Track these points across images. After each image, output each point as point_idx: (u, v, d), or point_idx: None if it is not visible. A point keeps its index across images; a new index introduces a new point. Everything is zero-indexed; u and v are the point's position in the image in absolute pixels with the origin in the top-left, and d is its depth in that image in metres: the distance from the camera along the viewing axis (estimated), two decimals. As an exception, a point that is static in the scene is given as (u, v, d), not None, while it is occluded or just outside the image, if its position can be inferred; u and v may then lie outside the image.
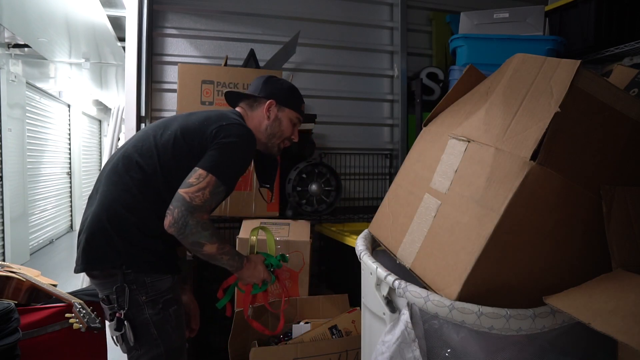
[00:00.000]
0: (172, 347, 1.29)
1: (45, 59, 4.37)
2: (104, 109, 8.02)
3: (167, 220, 1.22)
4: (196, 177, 1.24)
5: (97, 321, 1.54)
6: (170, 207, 1.22)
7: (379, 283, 1.00)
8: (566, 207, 0.82)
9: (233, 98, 1.55)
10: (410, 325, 0.88)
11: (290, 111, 1.51)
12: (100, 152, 8.64)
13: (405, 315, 0.90)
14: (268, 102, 1.48)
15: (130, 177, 1.29)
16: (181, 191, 1.23)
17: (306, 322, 1.77)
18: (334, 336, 1.63)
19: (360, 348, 1.30)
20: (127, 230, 1.25)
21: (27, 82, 4.92)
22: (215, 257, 1.30)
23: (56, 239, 6.08)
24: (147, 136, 1.36)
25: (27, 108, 4.97)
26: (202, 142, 1.30)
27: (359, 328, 1.37)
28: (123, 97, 2.71)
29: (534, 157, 0.79)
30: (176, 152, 1.31)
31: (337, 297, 1.89)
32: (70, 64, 4.57)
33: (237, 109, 1.51)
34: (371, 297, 1.07)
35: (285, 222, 2.00)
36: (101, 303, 1.30)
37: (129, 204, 1.27)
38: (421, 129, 1.24)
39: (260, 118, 1.48)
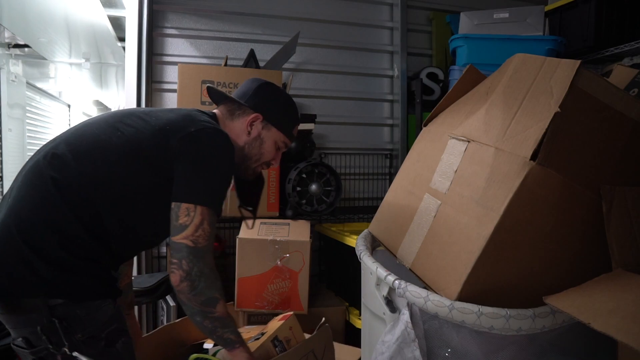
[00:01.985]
0: None
1: (45, 59, 4.37)
2: (104, 109, 8.02)
3: (176, 277, 1.00)
4: (185, 214, 1.00)
5: None
6: (174, 260, 1.00)
7: (379, 283, 1.00)
8: (566, 207, 0.82)
9: (216, 96, 1.28)
10: (410, 325, 0.88)
11: (277, 132, 1.23)
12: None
13: (405, 315, 0.90)
14: (253, 115, 1.20)
15: (54, 184, 0.98)
16: (178, 238, 1.00)
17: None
18: (276, 348, 1.34)
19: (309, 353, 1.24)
20: (50, 253, 0.95)
21: (27, 82, 4.92)
22: (224, 321, 1.05)
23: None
24: (89, 134, 1.06)
25: (27, 108, 4.97)
26: (161, 154, 1.03)
27: (297, 335, 1.25)
28: (123, 97, 2.71)
29: (534, 157, 0.79)
30: (129, 161, 1.03)
31: None
32: (70, 64, 4.57)
33: (216, 110, 1.24)
34: (371, 297, 1.07)
35: (285, 222, 2.00)
36: (14, 347, 0.99)
37: (49, 218, 0.96)
38: (421, 129, 1.24)
39: (239, 132, 1.21)
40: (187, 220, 1.00)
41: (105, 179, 1.01)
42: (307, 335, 1.35)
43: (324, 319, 1.24)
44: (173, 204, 1.01)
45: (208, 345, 1.25)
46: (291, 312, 1.24)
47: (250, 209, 1.42)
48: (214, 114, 1.22)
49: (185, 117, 1.10)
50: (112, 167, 1.02)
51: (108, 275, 1.04)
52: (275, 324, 1.39)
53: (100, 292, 1.01)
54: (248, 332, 1.32)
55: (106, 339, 1.00)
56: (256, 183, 1.38)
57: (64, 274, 0.96)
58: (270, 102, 1.24)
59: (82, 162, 1.01)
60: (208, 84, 1.37)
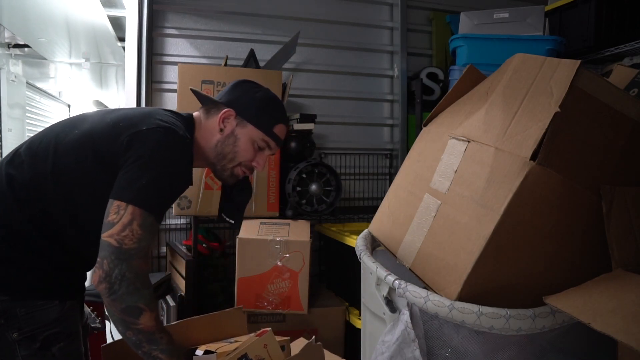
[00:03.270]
0: None
1: (45, 59, 4.37)
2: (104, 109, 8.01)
3: (96, 276, 0.92)
4: (114, 211, 0.93)
5: (97, 321, 1.54)
6: (98, 259, 0.93)
7: (379, 283, 1.00)
8: (566, 207, 0.82)
9: (200, 98, 1.24)
10: (410, 325, 0.88)
11: (254, 130, 1.15)
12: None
13: (405, 315, 0.90)
14: (225, 110, 1.14)
15: (8, 181, 1.00)
16: (104, 236, 0.93)
17: (206, 352, 1.29)
18: None
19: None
20: None
21: (27, 82, 4.92)
22: (151, 336, 0.94)
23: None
24: (50, 133, 1.06)
25: (27, 108, 4.97)
26: (112, 151, 0.99)
27: (274, 354, 1.09)
28: (123, 97, 2.71)
29: (534, 157, 0.79)
30: (80, 157, 1.00)
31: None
32: (70, 64, 4.57)
33: (195, 112, 1.21)
34: (371, 297, 1.07)
35: (285, 222, 2.00)
36: None
37: (1, 215, 0.98)
38: (421, 129, 1.24)
39: (212, 130, 1.15)
40: (115, 218, 0.93)
41: (56, 175, 0.99)
42: (298, 346, 1.17)
43: (314, 337, 1.14)
44: (109, 201, 0.95)
45: (199, 352, 1.19)
46: (269, 329, 1.13)
47: (232, 221, 1.31)
48: (191, 115, 1.18)
49: (142, 115, 1.05)
50: (63, 163, 1.00)
51: (61, 275, 1.02)
52: (248, 339, 1.26)
53: (45, 292, 0.99)
54: (221, 347, 1.25)
55: (42, 342, 0.97)
56: (241, 192, 1.29)
57: (7, 270, 0.96)
58: (246, 97, 1.17)
59: (36, 160, 1.01)
60: (190, 87, 1.30)
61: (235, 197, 1.30)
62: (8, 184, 0.99)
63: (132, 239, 0.93)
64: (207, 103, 1.20)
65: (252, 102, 1.16)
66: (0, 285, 0.96)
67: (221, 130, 1.15)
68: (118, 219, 0.93)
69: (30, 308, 0.96)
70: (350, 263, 1.93)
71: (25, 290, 0.97)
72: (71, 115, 1.14)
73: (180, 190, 1.06)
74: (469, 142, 0.95)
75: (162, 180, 0.98)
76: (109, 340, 1.81)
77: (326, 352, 1.24)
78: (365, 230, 1.24)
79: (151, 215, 0.95)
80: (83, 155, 1.00)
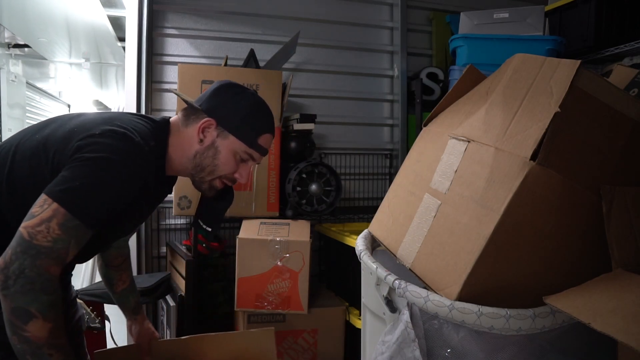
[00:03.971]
0: None
1: (45, 59, 4.37)
2: (104, 109, 8.02)
3: None
4: (40, 204, 0.86)
5: (97, 321, 1.55)
6: (8, 247, 0.85)
7: (378, 283, 1.00)
8: (566, 207, 0.82)
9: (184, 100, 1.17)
10: (410, 325, 0.88)
11: (236, 141, 1.07)
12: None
13: (405, 315, 0.90)
14: (204, 120, 1.07)
15: None
16: (21, 226, 0.85)
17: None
18: None
19: None
20: None
21: (27, 82, 4.92)
22: (37, 350, 0.83)
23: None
24: (14, 138, 1.02)
25: (27, 108, 4.97)
26: (62, 157, 0.92)
27: None
28: (123, 97, 2.71)
29: (534, 157, 0.79)
30: (34, 164, 0.95)
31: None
32: (70, 64, 4.56)
33: (174, 117, 1.14)
34: (371, 297, 1.07)
35: (285, 222, 2.00)
36: None
37: None
38: (421, 129, 1.24)
39: (191, 139, 1.08)
40: (37, 211, 0.86)
41: (11, 183, 0.96)
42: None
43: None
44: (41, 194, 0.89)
45: None
46: (272, 328, 1.08)
47: (208, 228, 1.24)
48: (167, 120, 1.11)
49: (101, 120, 0.98)
50: (18, 171, 0.96)
51: None
52: None
53: None
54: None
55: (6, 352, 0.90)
56: (222, 198, 1.21)
57: None
58: (229, 105, 1.08)
59: None
60: (173, 90, 1.26)
61: (215, 203, 1.23)
62: None
63: (46, 237, 0.85)
64: (189, 107, 1.12)
65: (235, 112, 1.08)
66: None
67: (201, 140, 1.08)
68: (39, 212, 0.86)
69: None
70: (350, 263, 1.93)
71: None
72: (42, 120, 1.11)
73: (124, 200, 0.95)
74: (469, 142, 0.95)
75: (98, 186, 0.90)
76: (108, 340, 1.81)
77: None
78: (365, 230, 1.24)
79: (76, 220, 0.87)
80: (36, 162, 0.95)
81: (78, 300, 1.55)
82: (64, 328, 0.88)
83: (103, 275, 1.38)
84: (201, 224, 1.25)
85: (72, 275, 1.26)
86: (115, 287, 1.37)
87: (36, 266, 0.84)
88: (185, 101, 1.13)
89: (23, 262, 0.83)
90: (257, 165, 1.24)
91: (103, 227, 0.94)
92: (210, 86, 1.14)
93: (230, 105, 1.09)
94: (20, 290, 0.82)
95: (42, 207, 0.86)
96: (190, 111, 1.11)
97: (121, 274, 1.36)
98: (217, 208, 1.24)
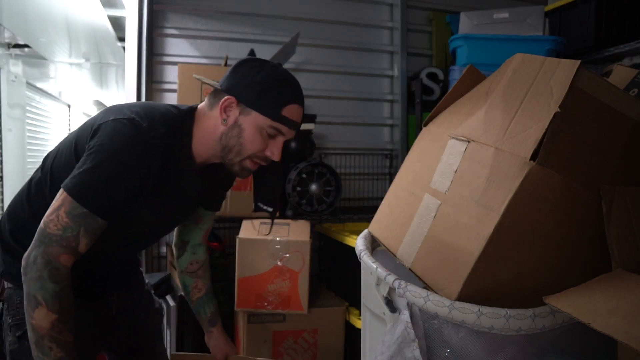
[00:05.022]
0: None
1: (45, 59, 4.37)
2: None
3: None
4: (57, 196, 0.92)
5: None
6: None
7: (378, 283, 1.00)
8: (566, 207, 0.82)
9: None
10: (410, 325, 0.88)
11: (259, 116, 1.02)
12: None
13: (405, 315, 0.90)
14: (224, 99, 1.02)
15: (29, 181, 1.07)
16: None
17: None
18: None
19: None
20: (4, 239, 1.05)
21: (27, 82, 4.92)
22: (40, 340, 0.87)
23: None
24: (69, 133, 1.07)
25: (27, 108, 4.97)
26: (82, 145, 0.98)
27: None
28: (123, 97, 2.71)
29: (533, 157, 0.79)
30: (67, 155, 1.01)
31: None
32: (70, 64, 4.57)
33: (202, 103, 1.12)
34: (371, 297, 1.07)
35: (285, 222, 2.00)
36: None
37: (12, 209, 1.06)
38: (421, 129, 1.24)
39: (216, 122, 1.05)
40: (53, 202, 0.91)
41: (52, 174, 1.02)
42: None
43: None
44: None
45: None
46: None
47: (267, 208, 1.20)
48: (194, 108, 1.09)
49: (121, 106, 1.01)
50: (57, 162, 1.02)
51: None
52: None
53: None
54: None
55: (24, 331, 0.94)
56: (272, 176, 1.20)
57: (13, 260, 1.00)
58: (247, 80, 1.02)
59: (46, 160, 1.05)
60: (194, 75, 1.22)
61: (269, 182, 1.21)
62: (28, 183, 1.06)
63: (56, 225, 0.89)
64: (214, 91, 1.09)
65: (254, 85, 1.02)
66: (7, 274, 1.03)
67: (224, 120, 1.03)
68: (53, 203, 0.91)
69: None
70: (350, 263, 1.93)
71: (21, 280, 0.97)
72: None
73: (127, 187, 0.95)
74: (469, 142, 0.95)
75: (100, 173, 0.91)
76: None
77: None
78: (365, 230, 1.24)
79: (82, 207, 0.90)
80: (69, 153, 0.99)
81: None
82: (70, 324, 0.90)
83: (180, 282, 1.36)
84: (261, 206, 1.20)
85: (141, 271, 1.29)
86: (191, 295, 1.33)
87: (47, 254, 0.88)
88: (208, 84, 1.11)
89: (38, 249, 0.88)
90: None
91: (115, 216, 0.96)
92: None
93: (249, 80, 1.03)
94: (33, 276, 0.87)
95: (57, 198, 0.91)
96: (213, 94, 1.07)
97: (197, 281, 1.33)
98: (272, 187, 1.23)
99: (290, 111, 1.04)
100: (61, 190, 0.91)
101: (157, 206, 1.07)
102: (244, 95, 1.02)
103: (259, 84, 1.02)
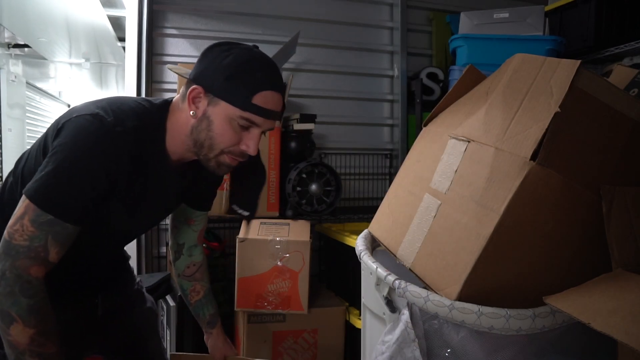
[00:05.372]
0: None
1: (45, 59, 4.37)
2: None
3: None
4: (20, 202, 0.84)
5: None
6: None
7: (378, 283, 1.00)
8: (566, 207, 0.82)
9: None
10: (410, 325, 0.88)
11: (227, 106, 0.91)
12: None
13: (405, 315, 0.90)
14: (191, 89, 0.93)
15: (2, 184, 1.00)
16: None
17: None
18: None
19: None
20: None
21: (27, 82, 4.92)
22: (20, 356, 0.81)
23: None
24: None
25: (27, 108, 4.97)
26: (48, 145, 0.90)
27: None
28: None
29: (534, 157, 0.79)
30: (37, 155, 0.93)
31: None
32: (70, 64, 4.57)
33: (176, 96, 1.02)
34: (371, 297, 1.07)
35: (285, 222, 2.00)
36: None
37: None
38: (421, 129, 1.24)
39: (187, 115, 0.95)
40: (16, 210, 0.84)
41: (22, 177, 0.96)
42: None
43: None
44: None
45: None
46: None
47: (244, 212, 1.09)
48: (168, 101, 1.01)
49: (86, 103, 0.93)
50: (28, 164, 0.95)
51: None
52: None
53: None
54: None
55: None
56: (252, 175, 1.10)
57: None
58: (214, 66, 0.92)
59: (20, 163, 0.98)
60: (168, 66, 1.10)
61: (246, 184, 1.13)
62: (2, 187, 1.00)
63: (21, 235, 0.81)
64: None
65: (220, 71, 0.91)
66: None
67: (193, 113, 0.94)
68: (16, 211, 0.83)
69: None
70: (350, 263, 1.93)
71: None
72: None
73: (93, 186, 0.87)
74: (469, 142, 0.95)
75: (62, 174, 0.84)
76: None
77: None
78: (365, 230, 1.24)
79: (48, 214, 0.82)
80: (38, 155, 0.92)
81: None
82: (51, 335, 0.84)
83: (178, 285, 1.33)
84: (236, 209, 1.11)
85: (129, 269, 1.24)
86: (190, 298, 1.31)
87: (15, 267, 0.81)
88: (180, 74, 1.04)
89: (5, 263, 0.81)
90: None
91: (87, 218, 0.88)
92: None
93: (216, 65, 0.92)
94: (2, 292, 0.80)
95: (19, 205, 0.84)
96: (186, 85, 0.98)
97: (194, 284, 1.30)
98: (249, 189, 1.14)
99: (264, 99, 0.92)
100: (23, 196, 0.83)
101: (132, 205, 1.00)
102: (211, 84, 0.92)
103: (226, 70, 0.91)
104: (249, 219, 1.20)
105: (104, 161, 0.87)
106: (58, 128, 0.89)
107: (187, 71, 0.99)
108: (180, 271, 1.31)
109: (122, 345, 1.24)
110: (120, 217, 1.00)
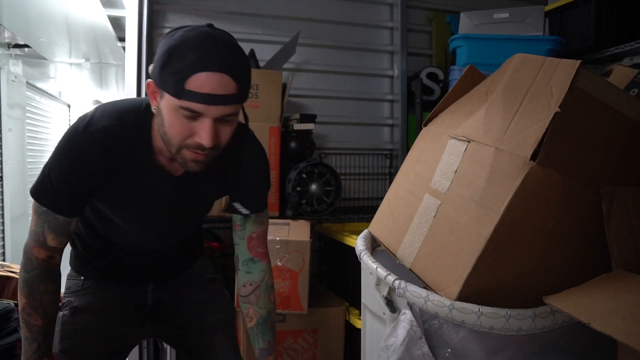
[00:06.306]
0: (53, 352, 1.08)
1: (45, 59, 4.37)
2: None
3: None
4: None
5: None
6: None
7: (378, 283, 1.00)
8: (566, 207, 0.82)
9: None
10: (415, 323, 0.88)
11: (169, 97, 0.84)
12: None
13: (407, 314, 0.90)
14: (146, 83, 0.90)
15: None
16: None
17: None
18: None
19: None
20: None
21: (27, 82, 4.92)
22: (19, 316, 1.02)
23: (56, 239, 6.06)
24: None
25: (27, 108, 4.96)
26: None
27: None
28: (123, 97, 2.71)
29: (534, 157, 0.80)
30: None
31: None
32: (70, 64, 4.57)
33: None
34: (371, 297, 1.07)
35: (285, 222, 2.00)
36: None
37: None
38: (421, 129, 1.24)
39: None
40: None
41: None
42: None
43: None
44: None
45: None
46: None
47: (245, 211, 1.09)
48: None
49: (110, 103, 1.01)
50: None
51: (87, 257, 1.18)
52: None
53: (75, 268, 1.20)
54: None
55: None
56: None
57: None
58: (156, 57, 0.87)
59: None
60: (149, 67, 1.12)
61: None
62: None
63: (32, 221, 1.00)
64: None
65: (157, 61, 0.85)
66: None
67: (154, 109, 0.91)
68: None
69: (68, 275, 1.19)
70: (350, 263, 1.93)
71: (70, 260, 1.18)
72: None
73: (70, 184, 0.94)
74: (469, 142, 0.95)
75: (47, 171, 0.96)
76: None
77: None
78: (365, 230, 1.24)
79: (42, 206, 0.97)
80: None
81: None
82: (40, 310, 1.00)
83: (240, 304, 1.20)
84: (237, 207, 1.08)
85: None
86: (246, 323, 1.15)
87: (26, 244, 1.00)
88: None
89: (25, 247, 1.01)
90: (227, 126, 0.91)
91: (80, 211, 1.02)
92: None
93: (157, 56, 0.86)
94: (21, 269, 1.02)
95: None
96: None
97: (248, 308, 1.13)
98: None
99: (198, 82, 0.82)
100: None
101: (126, 199, 1.02)
102: (155, 76, 0.86)
103: (160, 58, 0.84)
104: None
105: (75, 162, 0.94)
106: None
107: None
108: (238, 290, 1.17)
109: (175, 337, 1.28)
110: (123, 213, 1.08)
